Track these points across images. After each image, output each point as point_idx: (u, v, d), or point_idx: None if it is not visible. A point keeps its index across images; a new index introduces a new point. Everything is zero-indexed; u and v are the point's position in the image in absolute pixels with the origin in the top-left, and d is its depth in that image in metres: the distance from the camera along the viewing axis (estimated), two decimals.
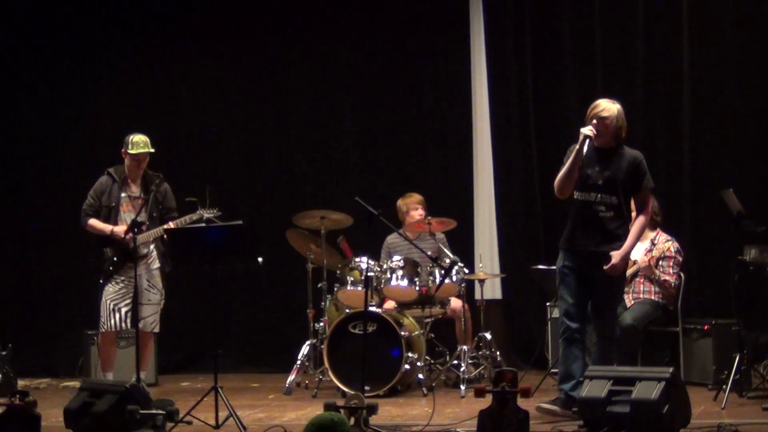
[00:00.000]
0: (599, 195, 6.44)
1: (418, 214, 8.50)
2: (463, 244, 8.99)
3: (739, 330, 7.18)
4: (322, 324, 8.20)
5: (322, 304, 8.32)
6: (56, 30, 9.98)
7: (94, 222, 7.91)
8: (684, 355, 7.95)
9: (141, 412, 5.73)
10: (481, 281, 8.39)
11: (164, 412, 5.80)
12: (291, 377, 8.04)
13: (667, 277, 7.91)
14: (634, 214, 6.68)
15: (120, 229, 7.76)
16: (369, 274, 7.63)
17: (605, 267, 6.37)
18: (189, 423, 6.22)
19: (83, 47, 9.95)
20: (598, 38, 9.24)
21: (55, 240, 9.75)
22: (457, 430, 6.12)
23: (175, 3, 10.00)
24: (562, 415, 6.37)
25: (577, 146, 6.39)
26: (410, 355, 7.70)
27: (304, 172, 9.91)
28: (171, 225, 7.65)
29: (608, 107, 6.48)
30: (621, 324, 7.67)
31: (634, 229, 6.47)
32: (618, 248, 6.41)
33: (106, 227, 7.85)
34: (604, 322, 6.58)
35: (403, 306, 8.20)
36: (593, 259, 6.44)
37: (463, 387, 7.69)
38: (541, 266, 8.36)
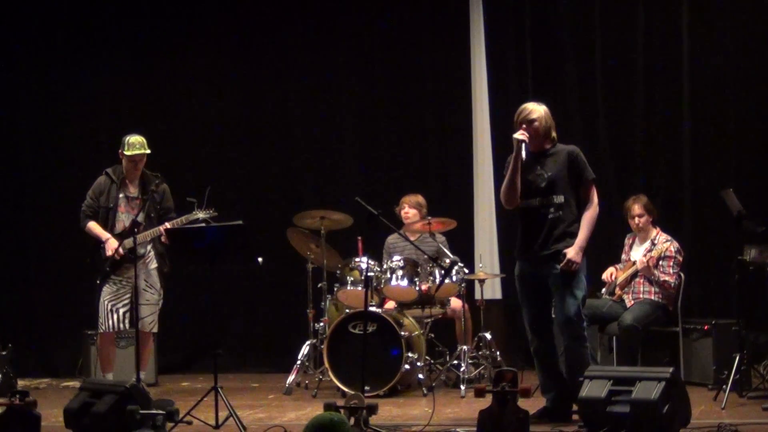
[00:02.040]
0: (545, 198, 6.37)
1: (404, 212, 8.51)
2: (463, 244, 8.98)
3: (739, 330, 7.17)
4: (322, 324, 8.20)
5: (322, 304, 8.31)
6: (56, 30, 9.99)
7: (92, 226, 7.90)
8: (684, 355, 7.94)
9: (141, 412, 5.72)
10: (481, 281, 8.38)
11: (164, 412, 5.79)
12: (291, 377, 8.05)
13: (667, 278, 7.90)
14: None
15: (112, 245, 7.74)
16: (369, 274, 7.62)
17: (560, 265, 6.27)
18: (189, 423, 6.22)
19: (83, 47, 9.94)
20: (598, 39, 9.25)
21: (54, 240, 9.74)
22: (457, 430, 6.11)
23: (176, 3, 10.00)
24: (554, 423, 6.31)
25: (514, 153, 6.33)
26: (410, 355, 7.70)
27: (304, 172, 9.91)
28: (168, 225, 7.64)
29: (534, 109, 6.43)
30: (621, 324, 7.70)
31: (584, 223, 6.35)
32: (571, 245, 6.29)
33: (102, 235, 7.83)
34: (569, 323, 6.36)
35: (403, 306, 8.20)
36: (548, 262, 6.34)
37: (463, 387, 7.69)
38: None
